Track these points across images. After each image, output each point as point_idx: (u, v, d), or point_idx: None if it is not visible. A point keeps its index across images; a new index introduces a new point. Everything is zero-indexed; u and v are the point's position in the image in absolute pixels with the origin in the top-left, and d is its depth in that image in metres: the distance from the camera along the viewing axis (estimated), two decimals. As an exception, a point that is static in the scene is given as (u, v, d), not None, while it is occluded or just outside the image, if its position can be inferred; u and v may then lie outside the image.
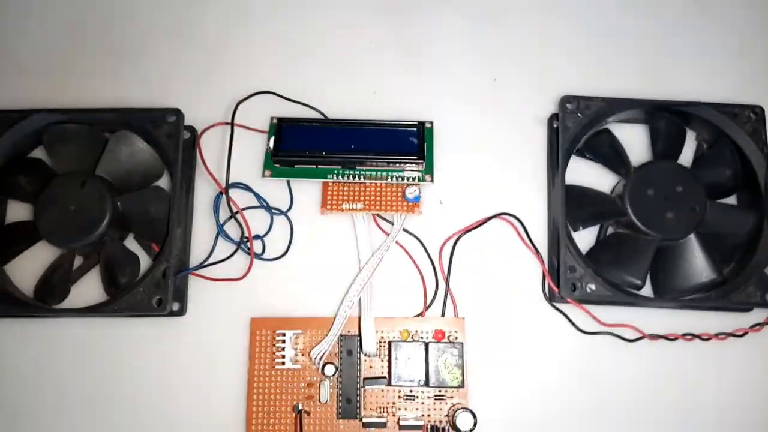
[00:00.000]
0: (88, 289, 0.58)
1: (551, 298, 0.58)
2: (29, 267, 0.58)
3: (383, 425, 0.53)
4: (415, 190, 0.58)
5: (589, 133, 0.58)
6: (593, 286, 0.53)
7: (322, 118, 0.61)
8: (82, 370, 0.56)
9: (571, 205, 0.56)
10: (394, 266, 0.58)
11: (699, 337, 0.57)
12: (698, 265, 0.55)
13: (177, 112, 0.57)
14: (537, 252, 0.59)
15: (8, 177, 0.57)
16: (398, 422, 0.53)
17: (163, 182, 0.59)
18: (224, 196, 0.59)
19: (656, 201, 0.56)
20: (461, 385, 0.53)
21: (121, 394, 0.56)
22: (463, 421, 0.51)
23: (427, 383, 0.53)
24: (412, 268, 0.59)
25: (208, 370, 0.56)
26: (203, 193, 0.60)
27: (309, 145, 0.58)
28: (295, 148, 0.58)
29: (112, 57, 0.64)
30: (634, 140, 0.61)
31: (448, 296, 0.58)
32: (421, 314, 0.57)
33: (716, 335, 0.57)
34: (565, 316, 0.57)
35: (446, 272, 0.58)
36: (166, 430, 0.55)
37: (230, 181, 0.59)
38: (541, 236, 0.59)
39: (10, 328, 0.57)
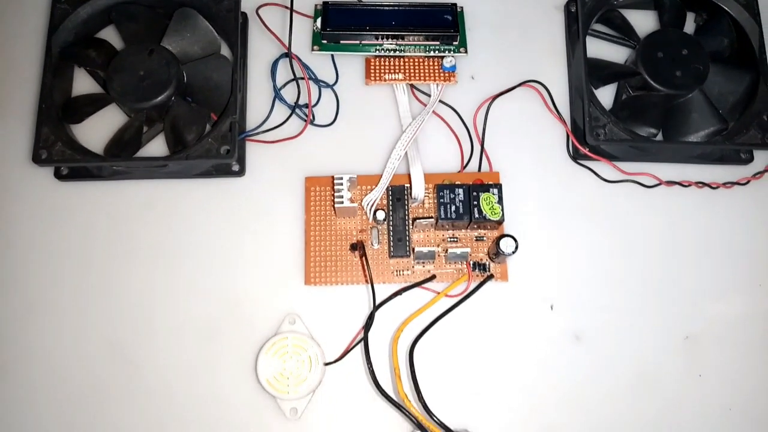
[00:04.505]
0: (154, 153, 0.63)
1: (575, 156, 0.64)
2: (97, 133, 0.62)
3: (432, 255, 0.58)
4: (451, 60, 0.65)
5: (603, 9, 0.66)
6: (615, 130, 0.60)
7: (363, 2, 0.67)
8: (149, 229, 0.61)
9: (592, 69, 0.63)
10: (433, 133, 0.64)
11: (709, 185, 0.63)
12: (705, 116, 0.62)
13: (236, -9, 0.63)
14: (560, 116, 0.65)
15: (79, 50, 0.62)
16: (445, 252, 0.59)
17: (221, 58, 0.64)
18: (286, 59, 0.64)
19: (665, 62, 0.63)
20: (502, 219, 0.58)
21: (186, 247, 0.60)
22: (506, 244, 0.56)
23: (470, 219, 0.58)
24: (448, 135, 0.65)
25: (268, 223, 0.61)
26: (254, 70, 0.66)
27: (353, 23, 0.65)
28: (341, 25, 0.65)
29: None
30: (639, 25, 0.68)
31: (483, 154, 0.64)
32: (460, 171, 0.63)
33: (724, 184, 0.63)
34: (589, 169, 0.64)
35: (480, 134, 0.64)
36: (230, 276, 0.60)
37: (279, 57, 0.65)
38: (562, 105, 0.66)
39: (81, 189, 0.62)
